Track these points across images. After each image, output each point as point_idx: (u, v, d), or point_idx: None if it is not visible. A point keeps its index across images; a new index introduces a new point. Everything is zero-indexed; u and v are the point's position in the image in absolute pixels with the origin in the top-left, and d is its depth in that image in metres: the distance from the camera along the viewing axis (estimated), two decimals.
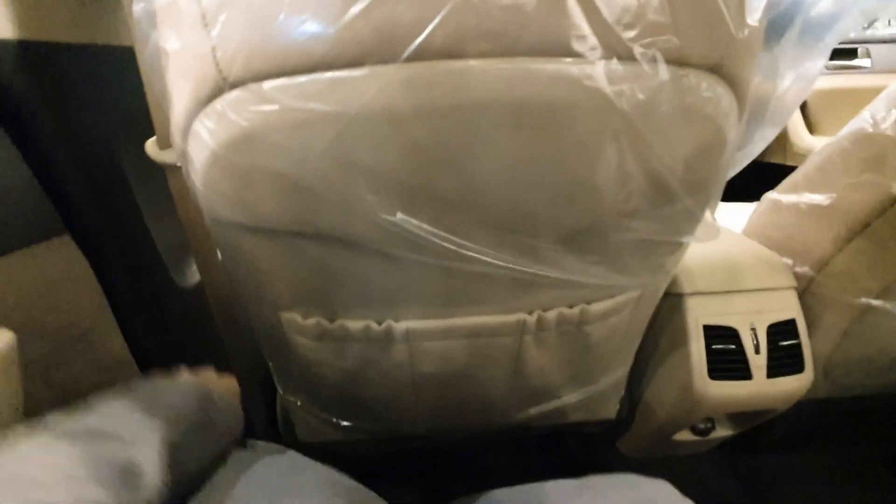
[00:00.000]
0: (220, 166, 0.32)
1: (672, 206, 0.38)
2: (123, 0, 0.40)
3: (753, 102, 0.36)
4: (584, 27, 0.27)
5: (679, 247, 0.46)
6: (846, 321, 0.63)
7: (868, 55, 1.34)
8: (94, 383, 0.45)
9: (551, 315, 0.48)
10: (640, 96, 0.29)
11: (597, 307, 0.49)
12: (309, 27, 0.27)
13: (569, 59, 0.28)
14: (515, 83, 0.28)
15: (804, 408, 0.76)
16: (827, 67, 1.36)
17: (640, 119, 0.30)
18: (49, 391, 0.39)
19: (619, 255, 0.43)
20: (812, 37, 0.33)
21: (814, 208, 0.60)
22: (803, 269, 0.63)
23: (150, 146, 0.42)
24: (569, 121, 0.30)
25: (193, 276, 0.53)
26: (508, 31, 0.27)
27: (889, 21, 1.55)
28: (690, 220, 0.41)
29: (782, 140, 1.42)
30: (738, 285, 0.61)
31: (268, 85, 0.29)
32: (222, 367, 0.61)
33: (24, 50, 0.35)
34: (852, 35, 1.56)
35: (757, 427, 0.72)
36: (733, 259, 0.64)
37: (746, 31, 0.28)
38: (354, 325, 0.47)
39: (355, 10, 0.26)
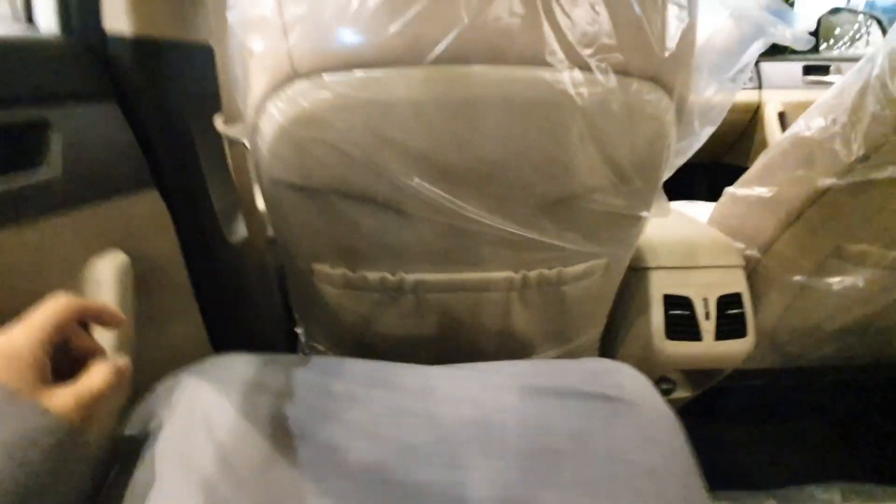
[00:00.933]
0: (285, 137, 0.43)
1: (627, 185, 0.49)
2: (207, 6, 0.52)
3: (691, 106, 0.47)
4: (555, 45, 0.38)
5: (638, 220, 0.56)
6: (787, 297, 0.74)
7: (840, 72, 1.46)
8: (165, 313, 0.56)
9: (533, 274, 0.58)
10: (596, 97, 0.40)
11: (571, 270, 0.59)
12: (359, 38, 0.38)
13: (544, 68, 0.39)
14: (505, 84, 0.40)
15: (755, 380, 0.87)
16: (804, 82, 1.48)
17: (596, 114, 0.41)
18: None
19: (589, 225, 0.54)
20: (727, 57, 0.44)
21: (761, 200, 0.72)
22: (752, 252, 0.74)
23: (218, 122, 0.53)
24: (544, 113, 0.41)
25: (240, 233, 0.64)
26: (500, 46, 0.38)
27: (867, 42, 1.67)
28: (643, 198, 0.52)
29: (764, 146, 1.53)
30: (694, 262, 0.72)
31: (326, 77, 0.40)
32: (254, 317, 0.72)
33: (135, 44, 0.46)
34: (831, 53, 1.67)
35: (712, 398, 0.83)
36: (692, 241, 0.75)
37: (667, 53, 0.39)
38: (373, 275, 0.58)
39: (393, 28, 0.37)
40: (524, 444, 0.39)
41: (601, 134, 0.43)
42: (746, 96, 1.49)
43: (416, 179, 0.45)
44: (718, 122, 0.49)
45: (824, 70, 1.49)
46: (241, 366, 0.43)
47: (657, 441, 0.40)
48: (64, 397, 0.26)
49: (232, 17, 0.42)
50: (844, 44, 1.71)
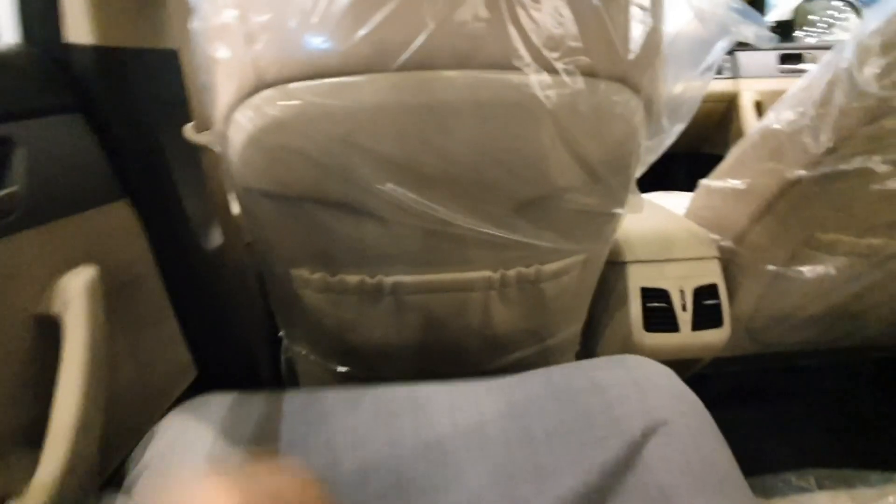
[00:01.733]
0: (255, 146, 0.43)
1: (599, 184, 0.50)
2: (169, 13, 0.51)
3: (659, 105, 0.48)
4: (521, 49, 0.38)
5: (613, 217, 0.57)
6: (761, 285, 0.75)
7: (814, 60, 1.48)
8: (140, 322, 0.56)
9: (512, 273, 0.59)
10: (563, 99, 0.40)
11: (549, 267, 0.60)
12: (325, 45, 0.38)
13: (511, 72, 0.39)
14: (473, 88, 0.40)
15: (735, 367, 0.89)
16: (780, 70, 1.50)
17: (565, 116, 0.41)
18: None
19: (564, 223, 0.55)
20: (694, 56, 0.45)
21: (735, 191, 0.73)
22: (727, 243, 0.76)
23: (189, 130, 0.52)
24: (513, 116, 0.41)
25: (216, 240, 0.64)
26: (467, 50, 0.38)
27: (843, 29, 1.69)
28: (616, 195, 0.53)
29: (741, 135, 1.55)
30: (670, 255, 0.73)
31: (293, 86, 0.39)
32: (235, 322, 0.72)
33: (97, 53, 0.45)
34: (807, 41, 1.69)
35: (693, 385, 0.84)
36: (668, 234, 0.76)
37: (631, 55, 0.39)
38: (351, 279, 0.58)
39: (359, 34, 0.37)
40: (508, 447, 0.39)
41: (571, 135, 0.43)
42: (723, 86, 1.51)
43: (389, 185, 0.45)
44: (688, 118, 0.50)
45: (799, 58, 1.51)
46: (220, 407, 0.43)
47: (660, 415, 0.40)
48: None
49: (195, 24, 0.41)
50: (821, 31, 1.73)
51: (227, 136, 0.44)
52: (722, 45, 0.45)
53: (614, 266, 0.74)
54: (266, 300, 0.73)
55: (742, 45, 1.60)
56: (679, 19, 0.46)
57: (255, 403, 0.44)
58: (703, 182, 0.81)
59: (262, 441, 0.39)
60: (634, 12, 0.39)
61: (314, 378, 0.76)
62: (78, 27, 0.43)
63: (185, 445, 0.38)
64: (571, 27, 0.38)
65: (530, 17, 0.38)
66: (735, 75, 1.52)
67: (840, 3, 1.72)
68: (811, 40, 1.69)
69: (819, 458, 0.70)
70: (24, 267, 0.39)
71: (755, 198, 0.70)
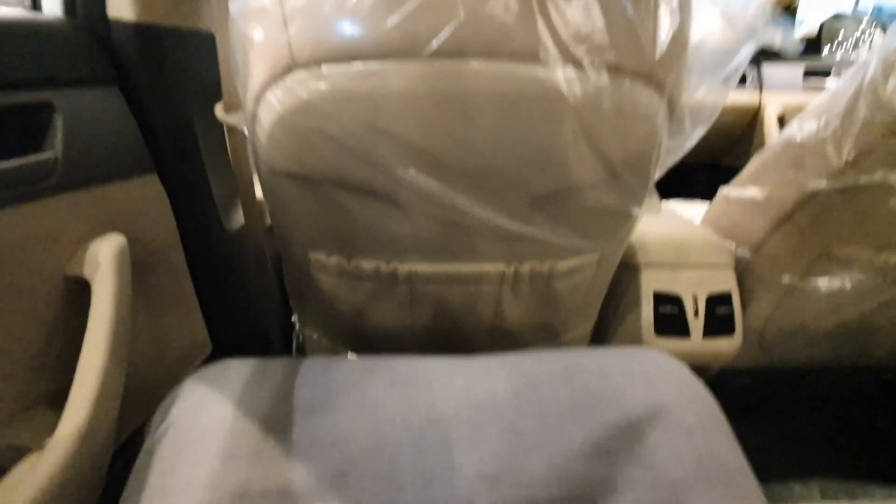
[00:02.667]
0: (283, 126, 0.44)
1: (619, 182, 0.50)
2: None
3: (682, 106, 0.48)
4: (549, 42, 0.39)
5: (629, 217, 0.57)
6: (776, 296, 0.75)
7: (840, 76, 1.47)
8: (162, 297, 0.57)
9: (525, 268, 0.59)
10: (587, 94, 0.41)
11: (563, 264, 0.60)
12: (357, 30, 0.39)
13: (537, 64, 0.40)
14: (499, 79, 0.40)
15: (744, 378, 0.89)
16: (805, 85, 1.49)
17: (588, 111, 0.42)
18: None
19: (581, 220, 0.55)
20: (719, 61, 0.45)
21: (753, 201, 0.72)
22: (743, 252, 0.75)
23: (219, 110, 0.54)
24: (536, 109, 0.42)
25: (238, 221, 0.65)
26: (495, 41, 0.39)
27: (870, 47, 1.67)
28: (635, 195, 0.53)
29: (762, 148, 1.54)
30: (684, 260, 0.73)
31: (324, 68, 0.41)
32: (250, 303, 0.73)
33: (137, 30, 0.46)
34: (834, 58, 1.68)
35: None
36: (684, 239, 0.76)
37: (658, 54, 0.40)
38: (367, 264, 0.59)
39: (391, 22, 0.38)
40: (520, 422, 0.40)
41: (593, 131, 0.44)
42: (747, 98, 1.50)
43: (412, 171, 0.46)
44: (710, 122, 0.50)
45: (825, 74, 1.49)
46: (240, 371, 0.44)
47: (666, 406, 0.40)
48: None
49: (234, 6, 0.43)
50: (847, 48, 1.71)
51: (257, 115, 0.45)
52: (746, 52, 0.45)
53: (628, 268, 0.75)
54: (282, 283, 0.74)
55: (768, 58, 1.59)
56: (705, 24, 0.46)
57: (274, 369, 0.45)
58: (723, 190, 0.80)
59: (279, 405, 0.40)
60: (662, 12, 0.40)
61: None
62: (120, 3, 0.45)
63: (207, 406, 0.39)
64: (599, 23, 0.39)
65: (559, 11, 0.38)
66: (760, 88, 1.51)
67: (867, 22, 1.70)
68: (838, 57, 1.67)
69: (824, 471, 0.69)
70: (57, 229, 0.41)
71: (774, 207, 0.69)
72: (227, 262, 0.66)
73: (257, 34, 0.42)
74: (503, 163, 0.47)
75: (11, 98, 0.37)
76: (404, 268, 0.58)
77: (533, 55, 0.39)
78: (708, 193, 0.95)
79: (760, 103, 1.49)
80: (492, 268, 0.59)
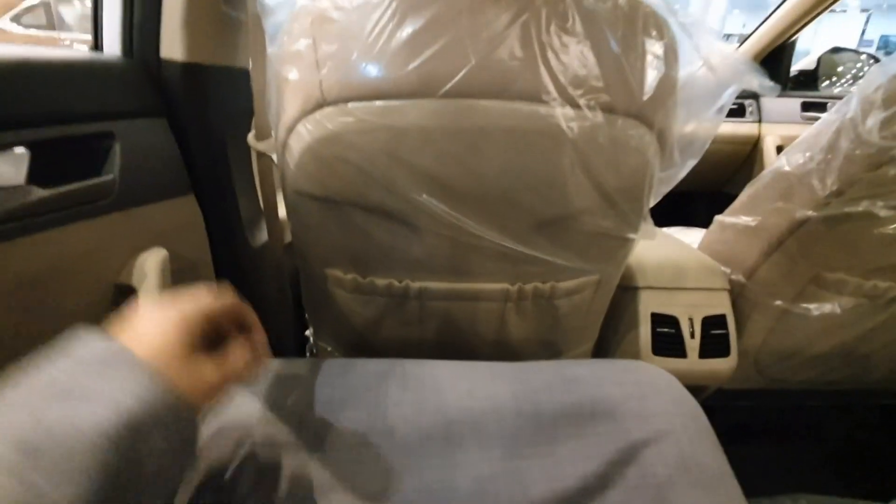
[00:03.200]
0: (312, 154, 0.49)
1: (614, 209, 0.54)
2: (246, 37, 0.58)
3: (672, 141, 0.53)
4: (550, 85, 0.44)
5: (626, 242, 0.62)
6: (769, 320, 0.78)
7: None
8: None
9: (528, 287, 0.64)
10: (584, 130, 0.46)
11: (564, 285, 0.64)
12: (381, 73, 0.45)
13: (540, 104, 0.45)
14: (506, 116, 0.46)
15: (742, 401, 0.91)
16: (802, 117, 1.54)
17: (585, 145, 0.47)
18: None
19: (580, 243, 0.59)
20: (706, 98, 0.50)
21: (746, 228, 0.76)
22: (737, 277, 0.79)
23: (251, 137, 0.59)
24: (539, 143, 0.47)
25: (262, 238, 0.70)
26: (502, 84, 0.44)
27: None
28: (630, 221, 0.57)
29: None
30: (681, 284, 0.77)
31: (351, 105, 0.46)
32: (268, 315, 0.78)
33: (185, 68, 0.53)
34: (832, 91, 1.73)
35: None
36: (681, 263, 0.80)
37: (646, 97, 0.45)
38: (381, 281, 0.63)
39: (411, 65, 0.44)
40: (518, 426, 0.43)
41: (589, 162, 0.49)
42: (747, 129, 1.55)
43: (425, 196, 0.51)
44: (700, 155, 0.55)
45: (822, 107, 1.55)
46: (273, 368, 0.49)
47: (661, 412, 0.43)
48: (212, 370, 0.29)
49: (271, 50, 0.48)
50: (847, 82, 1.77)
51: (287, 144, 0.51)
52: (729, 95, 0.50)
53: (627, 290, 0.78)
54: (297, 298, 0.79)
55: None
56: (693, 65, 0.51)
57: (300, 367, 0.49)
58: (718, 217, 0.84)
59: (303, 401, 0.44)
60: (650, 59, 0.45)
61: None
62: (172, 46, 0.51)
63: (237, 399, 0.43)
64: (594, 69, 0.44)
65: (559, 58, 0.44)
66: (759, 120, 1.56)
67: (865, 56, 1.76)
68: (837, 90, 1.73)
69: (813, 488, 0.71)
70: (112, 243, 0.46)
71: (766, 235, 0.73)
72: (250, 275, 0.71)
73: (292, 74, 0.47)
74: (509, 190, 0.51)
75: (80, 129, 0.43)
76: (415, 285, 0.63)
77: (536, 96, 0.45)
78: (710, 221, 0.99)
79: (760, 134, 1.54)
80: (497, 286, 0.63)
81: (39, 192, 0.38)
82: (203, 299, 0.31)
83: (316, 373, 0.49)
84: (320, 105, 0.46)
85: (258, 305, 0.75)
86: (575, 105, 0.45)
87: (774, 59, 1.64)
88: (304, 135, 0.48)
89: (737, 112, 1.58)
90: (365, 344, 0.73)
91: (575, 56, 0.43)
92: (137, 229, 0.49)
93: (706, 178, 1.64)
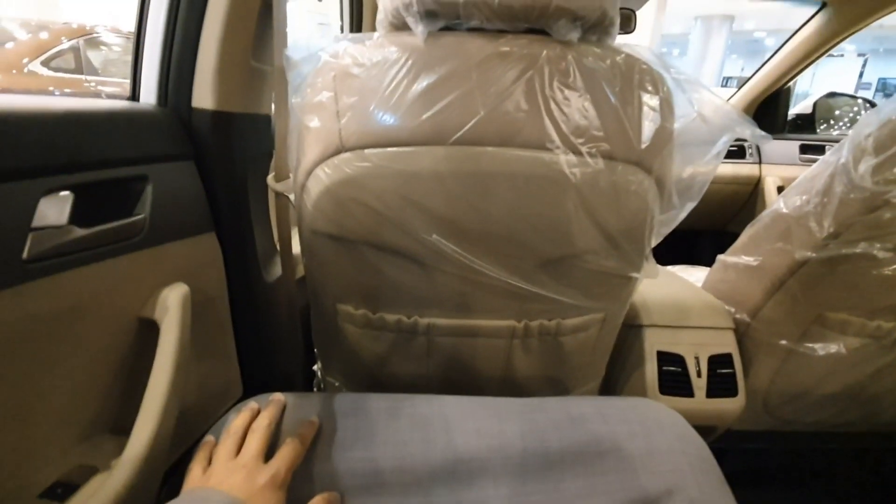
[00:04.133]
0: (329, 196, 0.52)
1: (617, 249, 0.57)
2: (271, 86, 0.63)
3: (671, 185, 0.56)
4: (553, 135, 0.47)
5: (629, 280, 0.63)
6: (776, 360, 0.78)
7: None
8: (207, 340, 0.64)
9: (534, 324, 0.65)
10: (586, 176, 0.48)
11: (570, 322, 0.66)
12: (397, 123, 0.48)
13: (544, 151, 0.48)
14: (512, 163, 0.49)
15: (752, 443, 0.90)
16: (801, 159, 1.58)
17: (587, 190, 0.49)
18: None
19: (584, 282, 0.61)
20: (702, 145, 0.53)
21: (748, 268, 0.78)
22: (742, 316, 0.80)
23: (270, 180, 0.63)
24: (543, 187, 0.50)
25: (275, 273, 0.73)
26: (509, 133, 0.47)
27: None
28: (632, 261, 0.60)
29: None
30: (686, 322, 0.78)
31: (367, 151, 0.49)
32: (279, 349, 0.79)
33: (214, 116, 0.57)
34: (829, 134, 1.78)
35: None
36: (685, 302, 0.81)
37: (644, 146, 0.48)
38: (390, 317, 0.65)
39: (425, 116, 0.47)
40: (525, 464, 0.44)
41: (592, 206, 0.51)
42: (748, 170, 1.59)
43: (435, 236, 0.53)
44: (698, 198, 0.57)
45: (820, 149, 1.59)
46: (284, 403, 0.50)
47: (670, 451, 0.44)
48: (277, 465, 0.40)
49: (295, 100, 0.52)
50: (843, 125, 1.82)
51: (306, 186, 0.54)
52: (723, 143, 0.53)
53: (632, 328, 0.79)
54: (307, 332, 0.80)
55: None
56: (688, 116, 0.55)
57: (310, 402, 0.50)
58: (721, 257, 0.86)
59: (317, 436, 0.45)
60: (646, 111, 0.48)
61: None
62: (204, 96, 0.56)
63: None
64: (594, 120, 0.47)
65: (561, 110, 0.47)
66: (759, 161, 1.60)
67: (860, 101, 1.81)
68: (835, 133, 1.78)
69: None
70: (138, 278, 0.49)
71: (767, 275, 0.75)
72: (264, 310, 0.73)
73: (314, 123, 0.51)
74: (515, 230, 0.54)
75: (118, 172, 0.47)
76: (424, 321, 0.64)
77: (540, 144, 0.48)
78: (713, 259, 1.01)
79: (760, 175, 1.57)
80: (504, 323, 0.65)
81: (79, 232, 0.41)
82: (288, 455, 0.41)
83: (325, 408, 0.50)
84: (339, 151, 0.50)
85: (271, 340, 0.78)
86: (577, 152, 0.48)
87: (773, 102, 1.70)
88: (323, 178, 0.51)
89: (737, 154, 1.62)
90: (373, 379, 0.74)
91: (576, 108, 0.47)
92: (162, 265, 0.52)
93: (709, 217, 1.67)
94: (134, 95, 0.57)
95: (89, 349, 0.45)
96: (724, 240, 1.20)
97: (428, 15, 0.47)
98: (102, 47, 2.90)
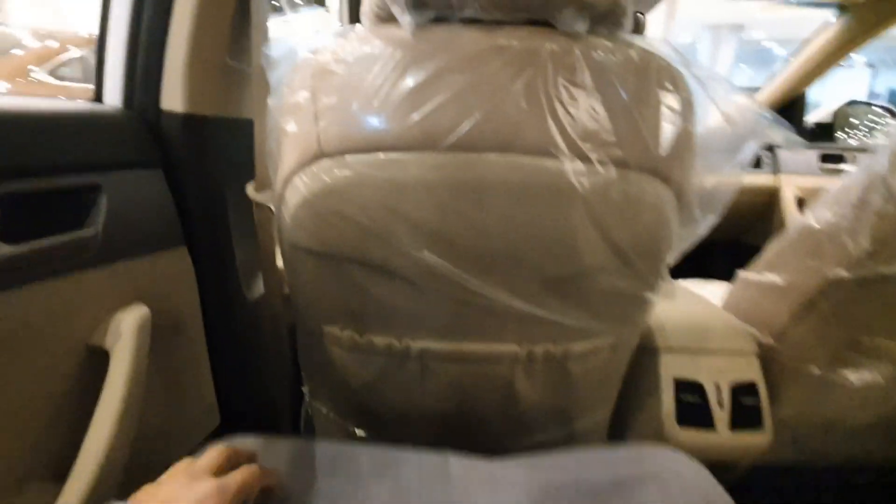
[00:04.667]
0: (307, 207, 0.47)
1: (630, 267, 0.50)
2: (251, 87, 0.58)
3: (691, 197, 0.49)
4: (558, 139, 0.42)
5: (643, 302, 0.57)
6: (805, 388, 0.71)
7: (855, 161, 1.49)
8: (177, 363, 0.58)
9: (539, 350, 0.59)
10: (595, 186, 0.42)
11: (577, 347, 0.60)
12: (382, 125, 0.43)
13: (548, 157, 0.42)
14: (511, 171, 0.43)
15: (778, 479, 0.82)
16: (820, 169, 1.51)
17: (597, 201, 0.43)
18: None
19: (593, 303, 0.55)
20: (726, 152, 0.47)
21: (773, 287, 0.71)
22: (766, 339, 0.73)
23: (250, 189, 0.58)
24: (547, 198, 0.44)
25: (258, 290, 0.67)
26: (508, 137, 0.42)
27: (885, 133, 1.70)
28: (647, 280, 0.53)
29: (782, 227, 1.54)
30: (705, 345, 0.71)
31: (349, 157, 0.44)
32: (263, 372, 0.73)
33: (186, 120, 0.52)
34: (849, 143, 1.71)
35: (736, 497, 0.78)
36: (704, 323, 0.74)
37: (662, 152, 0.42)
38: (379, 340, 0.59)
39: (413, 118, 0.42)
40: None
41: (602, 219, 0.45)
42: (764, 180, 1.52)
43: (426, 252, 0.48)
44: (720, 211, 0.51)
45: (839, 158, 1.52)
46: (254, 450, 0.44)
47: None
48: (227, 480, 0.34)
49: (272, 101, 0.47)
50: (863, 134, 1.75)
51: (284, 197, 0.48)
52: (751, 147, 0.47)
53: (646, 351, 0.73)
54: (295, 354, 0.75)
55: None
56: (712, 118, 0.49)
57: (285, 450, 0.44)
58: (742, 274, 0.80)
59: (292, 490, 0.39)
60: (665, 113, 0.42)
61: (331, 438, 0.75)
62: (173, 97, 0.51)
63: None
64: (605, 123, 0.41)
65: (567, 111, 0.41)
66: (776, 171, 1.53)
67: (880, 109, 1.75)
68: (853, 142, 1.71)
69: None
70: (86, 301, 0.43)
71: (796, 295, 0.68)
72: (245, 330, 0.67)
73: (290, 126, 0.46)
74: (515, 246, 0.48)
75: (60, 182, 0.41)
76: (416, 345, 0.58)
77: (544, 150, 0.42)
78: (727, 272, 0.94)
79: (777, 185, 1.51)
80: (505, 348, 0.58)
81: (6, 248, 0.36)
82: (243, 475, 0.35)
83: (305, 460, 0.44)
84: (317, 157, 0.44)
85: (253, 361, 0.72)
86: (585, 159, 0.42)
87: (789, 111, 1.65)
88: (301, 188, 0.46)
89: (752, 163, 1.56)
90: (362, 407, 0.68)
91: (584, 109, 0.41)
92: (118, 285, 0.46)
93: (723, 228, 1.59)
94: (98, 97, 0.52)
95: (25, 383, 0.39)
96: (739, 252, 1.13)
97: (416, 5, 0.42)
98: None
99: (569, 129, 0.41)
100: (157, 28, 0.48)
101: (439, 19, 0.44)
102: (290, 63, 0.48)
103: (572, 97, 0.42)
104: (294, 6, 0.65)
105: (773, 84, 1.64)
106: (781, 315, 0.71)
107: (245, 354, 0.69)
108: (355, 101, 0.43)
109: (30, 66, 2.49)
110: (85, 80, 2.80)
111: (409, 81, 0.42)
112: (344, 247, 0.49)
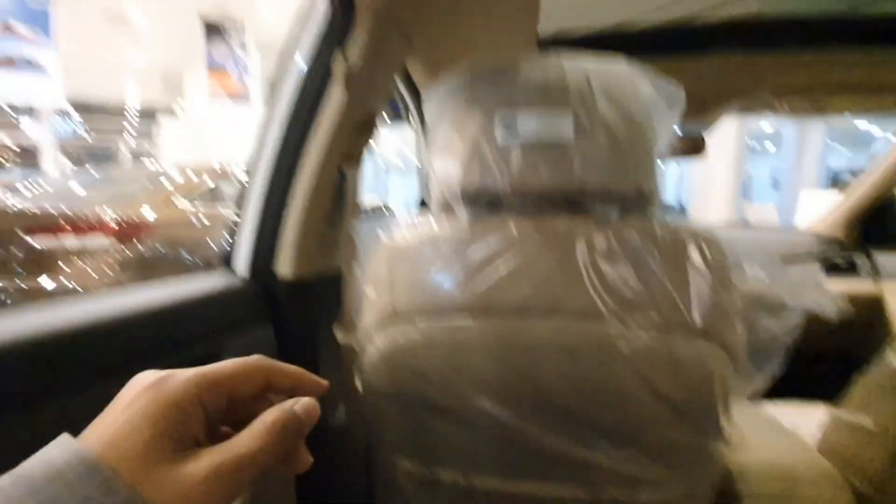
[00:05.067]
0: (384, 360, 0.55)
1: (684, 420, 0.52)
2: (341, 252, 0.71)
3: (743, 352, 0.51)
4: (599, 304, 0.47)
5: (707, 452, 0.56)
6: None
7: None
8: (260, 488, 0.65)
9: (606, 497, 0.59)
10: (639, 347, 0.47)
11: (646, 496, 0.59)
12: (447, 296, 0.51)
13: (592, 320, 0.47)
14: (559, 333, 0.49)
15: None
16: None
17: (640, 361, 0.47)
18: None
19: (654, 453, 0.55)
20: (775, 317, 0.49)
21: (865, 430, 0.66)
22: (864, 487, 0.66)
23: (338, 332, 0.68)
24: (592, 356, 0.48)
25: (340, 419, 0.75)
26: (554, 304, 0.48)
27: None
28: (704, 431, 0.54)
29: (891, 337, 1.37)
30: (794, 493, 0.66)
31: (418, 321, 0.52)
32: (343, 495, 0.78)
33: (293, 284, 0.64)
34: None
35: None
36: (792, 468, 0.69)
37: (700, 315, 0.45)
38: (446, 476, 0.63)
39: (475, 291, 0.50)
40: None
41: (647, 376, 0.49)
42: (863, 287, 1.41)
43: (485, 400, 0.53)
44: (778, 364, 0.52)
45: None
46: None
47: None
48: (200, 465, 0.23)
49: (357, 272, 0.58)
50: None
51: (365, 350, 0.58)
52: (798, 312, 0.49)
53: (726, 498, 0.68)
54: (370, 483, 0.79)
55: (881, 246, 1.51)
56: (756, 282, 0.52)
57: None
58: (832, 412, 0.74)
59: None
60: (699, 281, 0.47)
61: None
62: (284, 266, 0.64)
63: None
64: (640, 291, 0.47)
65: (606, 282, 0.47)
66: (875, 276, 1.42)
67: None
68: None
69: None
70: None
71: (890, 440, 0.63)
72: (328, 457, 0.74)
73: (371, 292, 0.56)
74: (569, 400, 0.52)
75: (193, 353, 0.53)
76: (482, 484, 0.61)
77: (587, 314, 0.48)
78: (834, 390, 0.86)
79: (879, 292, 1.38)
80: (569, 493, 0.59)
81: None
82: (207, 370, 0.25)
83: None
84: (392, 319, 0.54)
85: (332, 489, 0.77)
86: (625, 323, 0.47)
87: (887, 209, 1.54)
88: (379, 344, 0.55)
89: (847, 270, 1.46)
90: None
91: (620, 280, 0.47)
92: None
93: (826, 339, 1.45)
94: (226, 263, 0.67)
95: None
96: (848, 366, 1.03)
97: (472, 202, 0.52)
98: (235, 181, 3.49)
99: (607, 297, 0.47)
100: (278, 208, 0.63)
101: (492, 210, 0.54)
102: (373, 240, 0.59)
103: (608, 269, 0.48)
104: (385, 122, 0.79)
105: (868, 180, 1.54)
106: (876, 460, 0.65)
107: (327, 480, 0.75)
108: (426, 273, 0.52)
109: (174, 197, 3.10)
110: (212, 200, 3.36)
111: (468, 260, 0.51)
112: (412, 393, 0.56)
